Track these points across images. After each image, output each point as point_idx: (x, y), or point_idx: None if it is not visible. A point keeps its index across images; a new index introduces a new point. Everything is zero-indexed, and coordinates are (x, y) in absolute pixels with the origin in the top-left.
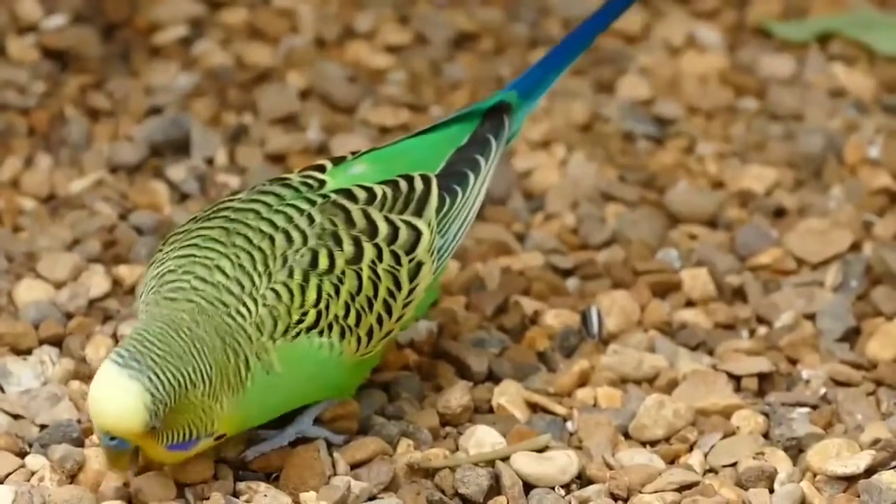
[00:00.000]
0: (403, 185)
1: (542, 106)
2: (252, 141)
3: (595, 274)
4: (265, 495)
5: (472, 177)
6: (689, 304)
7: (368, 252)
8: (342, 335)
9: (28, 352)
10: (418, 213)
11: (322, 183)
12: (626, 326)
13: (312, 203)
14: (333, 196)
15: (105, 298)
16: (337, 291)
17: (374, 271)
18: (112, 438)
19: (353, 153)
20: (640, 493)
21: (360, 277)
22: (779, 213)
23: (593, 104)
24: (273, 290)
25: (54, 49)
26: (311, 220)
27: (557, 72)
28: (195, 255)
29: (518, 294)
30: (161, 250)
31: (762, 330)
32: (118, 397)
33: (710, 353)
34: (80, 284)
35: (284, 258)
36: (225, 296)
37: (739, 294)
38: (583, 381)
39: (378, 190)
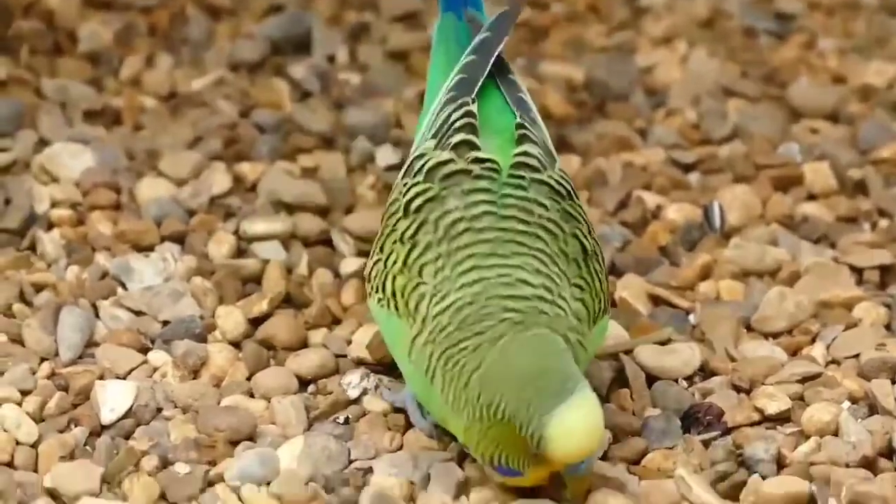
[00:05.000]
0: (529, 133)
1: (664, 2)
2: (373, 39)
3: (717, 168)
4: (388, 389)
5: (513, 74)
6: (811, 197)
7: (580, 215)
8: (608, 309)
9: (150, 249)
10: (549, 152)
11: (495, 162)
12: (748, 220)
13: (524, 188)
14: (528, 175)
15: (226, 196)
16: (601, 265)
17: (591, 230)
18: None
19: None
20: (763, 384)
21: (596, 243)
22: None
23: (715, 0)
24: (576, 285)
25: None
26: (543, 206)
27: None
28: (488, 278)
29: (640, 189)
30: (406, 280)
31: (884, 223)
32: (598, 418)
33: (832, 245)
34: (202, 182)
35: (564, 252)
36: (541, 304)
37: (861, 187)
38: (705, 274)
39: (533, 150)
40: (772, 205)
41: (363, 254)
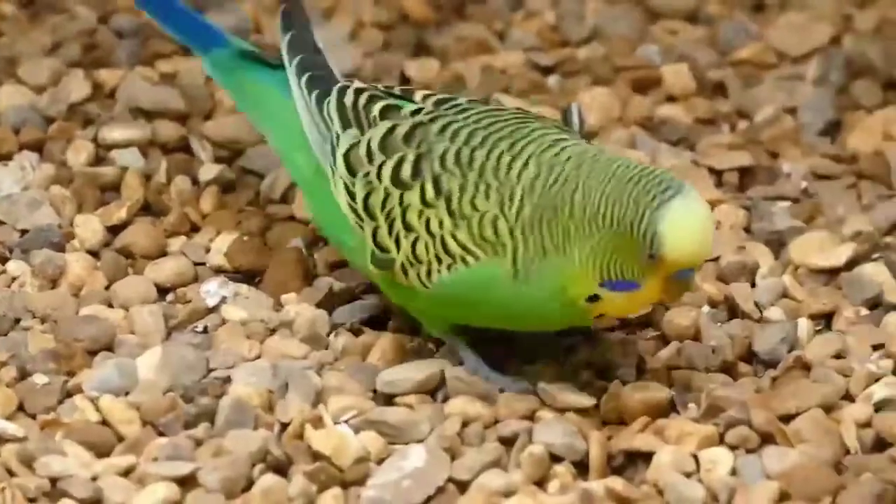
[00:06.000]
0: (407, 87)
1: None
2: None
3: (575, 71)
4: (247, 297)
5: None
6: (670, 99)
7: None
8: None
9: (8, 157)
10: None
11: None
12: (608, 122)
13: (469, 108)
14: (459, 100)
15: (85, 103)
16: None
17: None
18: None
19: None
20: None
21: None
22: (759, 8)
23: None
24: None
25: None
26: (501, 110)
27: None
28: (533, 153)
29: (499, 92)
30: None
31: (743, 124)
32: (709, 219)
33: (692, 148)
34: (61, 89)
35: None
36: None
37: (720, 89)
38: None
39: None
40: (631, 107)
41: (221, 160)
